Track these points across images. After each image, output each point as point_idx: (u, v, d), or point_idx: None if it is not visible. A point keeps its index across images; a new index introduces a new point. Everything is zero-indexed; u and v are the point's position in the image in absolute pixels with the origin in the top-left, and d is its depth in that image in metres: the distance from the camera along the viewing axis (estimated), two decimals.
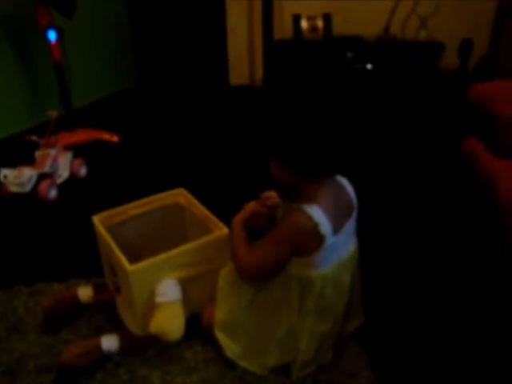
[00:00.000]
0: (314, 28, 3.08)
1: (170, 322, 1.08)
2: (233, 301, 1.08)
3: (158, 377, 1.08)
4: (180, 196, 1.41)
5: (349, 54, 3.00)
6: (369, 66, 2.96)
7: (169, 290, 1.09)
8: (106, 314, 1.27)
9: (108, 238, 1.14)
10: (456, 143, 1.95)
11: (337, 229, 0.96)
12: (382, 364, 1.11)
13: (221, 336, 1.09)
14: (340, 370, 1.10)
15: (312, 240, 0.93)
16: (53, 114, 2.02)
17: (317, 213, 0.91)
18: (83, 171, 2.14)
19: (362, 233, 1.10)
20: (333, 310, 1.04)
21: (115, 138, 2.53)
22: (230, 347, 1.09)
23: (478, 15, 2.82)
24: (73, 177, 2.08)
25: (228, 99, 3.40)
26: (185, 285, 1.13)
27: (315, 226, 0.91)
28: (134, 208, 1.33)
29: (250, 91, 3.59)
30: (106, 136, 2.53)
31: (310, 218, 0.90)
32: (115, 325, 1.22)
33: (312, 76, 0.89)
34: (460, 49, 2.80)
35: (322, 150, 0.88)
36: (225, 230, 1.19)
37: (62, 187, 2.00)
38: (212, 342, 1.13)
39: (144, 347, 1.15)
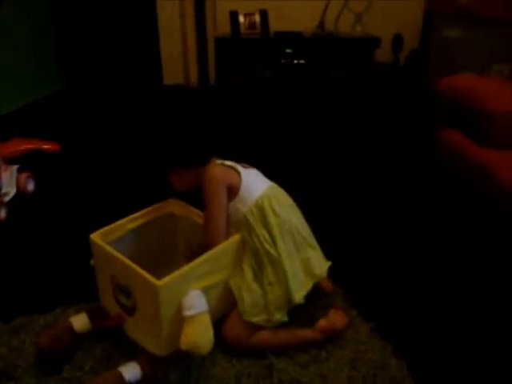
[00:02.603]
0: (251, 25, 3.07)
1: (200, 335, 0.99)
2: (247, 292, 1.13)
3: None
4: (173, 205, 1.34)
5: (288, 50, 3.04)
6: (302, 61, 3.02)
7: (195, 302, 1.01)
8: (109, 342, 1.14)
9: (120, 256, 1.02)
10: (401, 132, 2.06)
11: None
12: (407, 353, 1.14)
13: (256, 318, 1.12)
14: (369, 364, 1.11)
15: (230, 173, 1.18)
16: None
17: (216, 161, 1.21)
18: (31, 186, 1.91)
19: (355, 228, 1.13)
20: (289, 227, 1.17)
21: (56, 147, 2.29)
22: (270, 320, 1.12)
23: (408, 12, 3.01)
24: (20, 193, 1.85)
25: (161, 99, 3.26)
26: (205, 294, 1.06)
27: (221, 164, 1.20)
28: (129, 222, 1.24)
29: (185, 90, 3.49)
30: (46, 145, 2.27)
31: (214, 164, 1.20)
32: (123, 351, 1.11)
33: None
34: (392, 43, 2.97)
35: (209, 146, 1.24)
36: (237, 236, 1.16)
37: (10, 205, 1.76)
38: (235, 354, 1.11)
39: (166, 369, 1.05)
